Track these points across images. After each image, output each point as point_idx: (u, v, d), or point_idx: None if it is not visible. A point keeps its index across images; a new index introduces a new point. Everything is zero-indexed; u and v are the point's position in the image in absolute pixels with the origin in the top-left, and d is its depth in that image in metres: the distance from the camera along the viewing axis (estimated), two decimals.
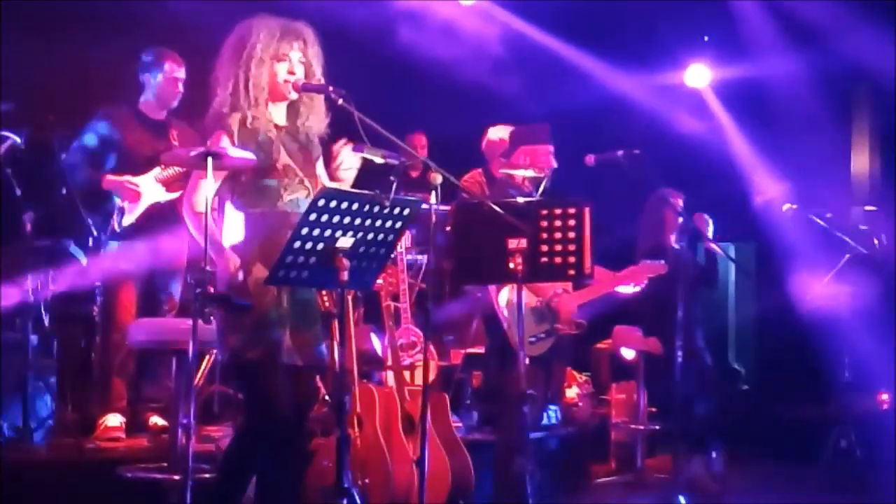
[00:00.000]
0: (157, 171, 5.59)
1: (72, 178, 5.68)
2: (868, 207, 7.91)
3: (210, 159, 3.75)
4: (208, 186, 3.78)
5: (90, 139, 5.67)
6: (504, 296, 5.30)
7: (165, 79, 5.73)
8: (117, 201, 5.58)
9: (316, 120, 4.05)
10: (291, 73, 3.95)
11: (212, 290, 3.84)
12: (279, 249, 3.75)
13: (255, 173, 3.90)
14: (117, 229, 5.58)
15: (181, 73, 5.77)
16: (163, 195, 5.61)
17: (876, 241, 6.43)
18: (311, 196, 3.96)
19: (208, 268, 3.77)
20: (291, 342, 3.86)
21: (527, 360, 4.43)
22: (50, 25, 6.51)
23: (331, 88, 3.88)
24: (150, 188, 5.58)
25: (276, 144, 3.95)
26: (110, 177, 5.58)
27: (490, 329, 5.52)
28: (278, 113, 4.03)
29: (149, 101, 5.80)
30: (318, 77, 3.98)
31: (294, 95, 3.98)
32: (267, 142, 3.93)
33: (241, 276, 3.78)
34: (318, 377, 5.95)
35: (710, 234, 6.65)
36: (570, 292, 5.60)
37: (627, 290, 5.90)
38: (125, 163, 5.63)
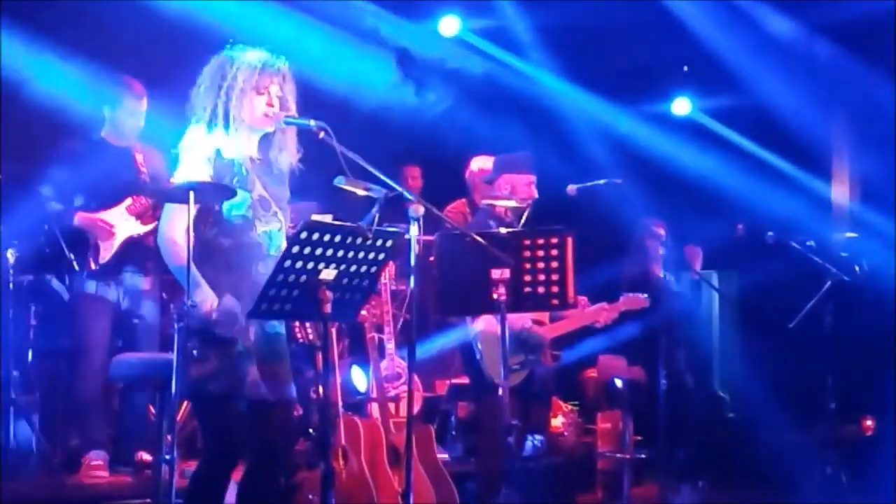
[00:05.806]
0: (127, 202, 5.48)
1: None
2: (849, 234, 7.96)
3: (192, 193, 3.74)
4: (186, 216, 3.76)
5: (55, 174, 5.50)
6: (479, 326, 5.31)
7: (124, 113, 5.59)
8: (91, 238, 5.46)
9: (288, 154, 4.04)
10: (270, 105, 3.94)
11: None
12: (250, 281, 3.73)
13: (231, 203, 3.87)
14: (94, 267, 5.48)
15: (142, 106, 5.60)
16: (137, 228, 5.51)
17: (857, 268, 6.46)
18: (283, 228, 3.96)
19: (189, 302, 3.72)
20: (260, 376, 3.81)
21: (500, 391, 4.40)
22: (26, 54, 6.48)
23: (313, 122, 3.88)
24: (123, 222, 5.48)
25: (252, 176, 3.94)
26: (82, 213, 5.47)
27: (467, 361, 5.51)
28: (252, 145, 4.01)
29: (109, 133, 5.65)
30: (293, 112, 3.97)
31: (271, 128, 3.98)
32: (243, 172, 3.92)
33: (215, 314, 3.72)
34: (302, 410, 5.96)
35: (699, 265, 6.67)
36: (544, 323, 5.59)
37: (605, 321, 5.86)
38: (94, 195, 5.50)
